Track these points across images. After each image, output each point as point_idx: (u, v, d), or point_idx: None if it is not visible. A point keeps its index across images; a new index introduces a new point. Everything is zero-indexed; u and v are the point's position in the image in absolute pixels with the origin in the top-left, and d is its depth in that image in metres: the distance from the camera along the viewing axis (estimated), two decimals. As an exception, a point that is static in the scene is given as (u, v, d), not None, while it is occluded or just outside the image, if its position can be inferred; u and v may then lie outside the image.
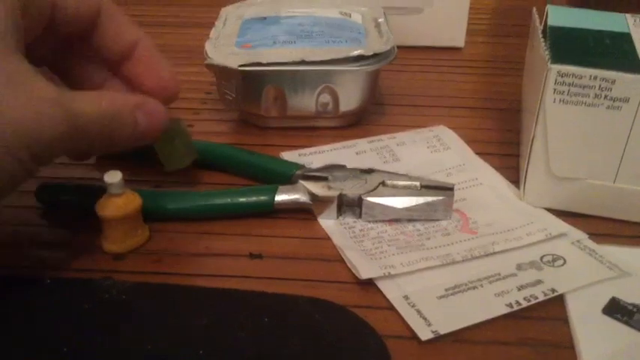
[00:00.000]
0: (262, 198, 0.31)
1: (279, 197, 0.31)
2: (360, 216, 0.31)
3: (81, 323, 0.25)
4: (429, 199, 0.31)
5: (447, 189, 0.31)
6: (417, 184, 0.31)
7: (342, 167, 0.33)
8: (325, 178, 0.32)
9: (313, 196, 0.31)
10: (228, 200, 0.31)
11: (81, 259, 0.28)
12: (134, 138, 0.28)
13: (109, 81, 0.31)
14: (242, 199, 0.31)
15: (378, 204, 0.31)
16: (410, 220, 0.31)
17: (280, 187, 0.31)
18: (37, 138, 0.23)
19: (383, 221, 0.31)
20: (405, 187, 0.31)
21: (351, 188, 0.31)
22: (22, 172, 0.24)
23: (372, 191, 0.31)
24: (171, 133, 0.31)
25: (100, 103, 0.26)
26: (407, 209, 0.31)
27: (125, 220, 0.28)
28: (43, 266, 0.28)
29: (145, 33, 0.30)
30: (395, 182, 0.31)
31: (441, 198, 0.31)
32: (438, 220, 0.31)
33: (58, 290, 0.26)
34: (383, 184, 0.31)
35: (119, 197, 0.28)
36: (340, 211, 0.31)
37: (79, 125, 0.25)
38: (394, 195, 0.31)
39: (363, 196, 0.31)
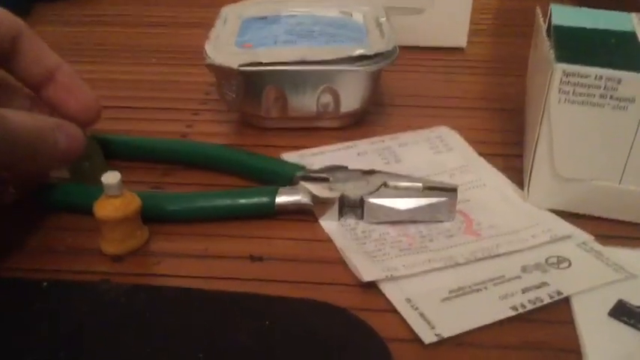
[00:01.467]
0: (263, 199, 0.31)
1: (280, 199, 0.31)
2: (361, 217, 0.31)
3: (79, 327, 0.24)
4: (432, 200, 0.30)
5: (450, 190, 0.30)
6: (420, 185, 0.31)
7: (343, 168, 0.32)
8: (326, 180, 0.31)
9: (314, 198, 0.31)
10: (229, 202, 0.31)
11: (79, 261, 0.28)
12: (55, 157, 0.29)
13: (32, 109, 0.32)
14: (242, 201, 0.31)
15: (380, 205, 0.30)
16: (412, 222, 0.30)
17: (281, 189, 0.31)
18: None
19: (385, 223, 0.30)
20: (407, 189, 0.31)
21: (352, 189, 0.31)
22: None
23: (374, 192, 0.30)
24: (82, 156, 0.31)
25: (26, 118, 0.27)
26: (409, 210, 0.30)
27: (124, 221, 0.28)
28: (40, 269, 0.28)
29: (63, 60, 0.31)
30: (397, 183, 0.31)
31: (444, 199, 0.30)
32: (441, 221, 0.30)
33: (55, 293, 0.26)
34: (385, 185, 0.31)
35: (117, 198, 0.27)
36: (342, 212, 0.31)
37: (9, 132, 0.25)
38: (396, 196, 0.30)
39: (364, 198, 0.30)
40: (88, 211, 0.28)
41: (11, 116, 0.26)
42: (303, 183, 0.31)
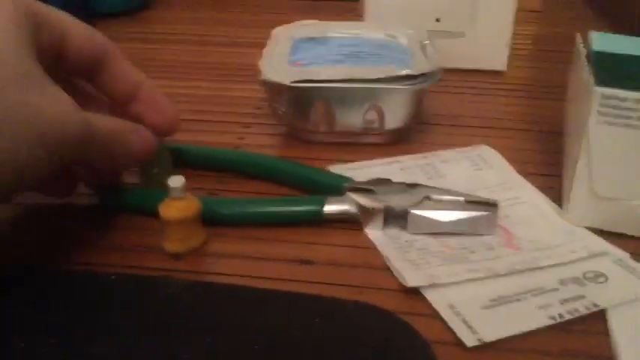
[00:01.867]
0: (313, 207, 0.32)
1: (329, 207, 0.32)
2: (405, 228, 0.32)
3: (143, 316, 0.26)
4: (474, 214, 0.32)
5: (491, 205, 0.32)
6: (462, 199, 0.32)
7: (387, 181, 0.34)
8: (372, 191, 0.33)
9: (361, 208, 0.32)
10: (281, 208, 0.33)
11: (143, 258, 0.30)
12: (129, 157, 0.31)
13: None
14: (293, 208, 0.33)
15: (424, 217, 0.32)
16: (454, 234, 0.32)
17: (329, 198, 0.33)
18: (62, 138, 0.26)
19: (427, 234, 0.32)
20: (449, 202, 0.32)
21: (397, 201, 0.32)
22: (46, 170, 0.26)
23: (417, 204, 0.32)
24: (153, 162, 0.34)
25: (106, 121, 0.29)
26: (451, 223, 0.32)
27: (185, 222, 0.30)
28: (109, 264, 0.30)
29: (146, 76, 0.33)
30: (440, 197, 0.32)
31: (485, 213, 0.32)
32: (481, 235, 0.32)
33: (122, 286, 0.28)
34: (428, 198, 0.32)
35: (181, 201, 0.29)
36: (386, 222, 0.32)
37: (93, 135, 0.28)
38: (439, 209, 0.32)
39: (408, 209, 0.32)
40: (152, 214, 0.30)
41: (94, 120, 0.28)
42: (350, 194, 0.33)
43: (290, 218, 0.33)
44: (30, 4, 0.28)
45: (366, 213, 0.32)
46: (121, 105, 0.33)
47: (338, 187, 0.34)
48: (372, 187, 0.33)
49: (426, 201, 0.32)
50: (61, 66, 0.30)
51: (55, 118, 0.26)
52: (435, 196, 0.33)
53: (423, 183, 0.34)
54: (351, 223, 0.33)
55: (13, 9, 0.26)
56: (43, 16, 0.28)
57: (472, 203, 0.32)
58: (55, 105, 0.26)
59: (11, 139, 0.24)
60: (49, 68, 0.27)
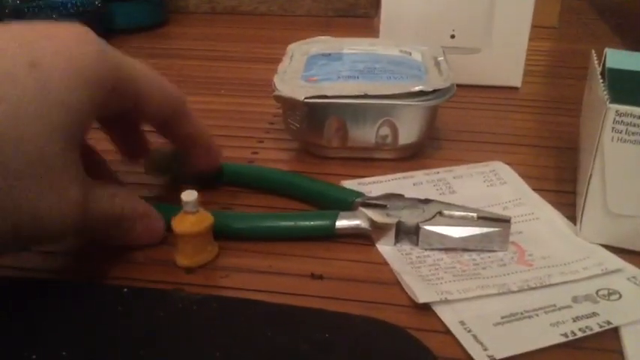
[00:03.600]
0: (324, 222, 0.32)
1: (340, 222, 0.32)
2: (417, 244, 0.32)
3: (155, 329, 0.27)
4: (486, 229, 0.32)
5: (503, 221, 0.32)
6: (474, 215, 0.32)
7: (400, 196, 0.34)
8: (384, 206, 0.33)
9: (373, 223, 0.32)
10: (292, 223, 0.33)
11: (155, 271, 0.31)
12: (126, 240, 0.31)
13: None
14: (305, 223, 0.33)
15: (436, 232, 0.32)
16: (466, 250, 0.32)
17: (341, 213, 0.33)
18: (54, 233, 0.27)
19: (439, 250, 0.32)
20: (461, 218, 0.32)
21: (409, 216, 0.32)
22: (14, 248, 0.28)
23: (429, 220, 0.32)
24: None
25: (113, 205, 0.29)
26: (464, 239, 0.32)
27: (198, 236, 0.30)
28: (121, 277, 0.30)
29: (204, 124, 0.35)
30: (452, 213, 0.32)
31: (497, 229, 0.31)
32: (494, 251, 0.32)
33: (134, 299, 0.28)
34: (440, 213, 0.32)
35: (194, 215, 0.30)
36: (398, 238, 0.32)
37: (89, 221, 0.28)
38: (451, 225, 0.32)
39: (420, 224, 0.32)
40: (166, 227, 0.30)
41: (96, 209, 0.28)
42: (362, 209, 0.33)
43: (302, 233, 0.33)
44: (117, 68, 0.28)
45: (378, 228, 0.32)
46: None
47: (350, 203, 0.34)
48: (384, 203, 0.34)
49: (438, 217, 0.32)
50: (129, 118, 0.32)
51: (49, 223, 0.26)
52: (448, 212, 0.32)
53: (436, 199, 0.34)
54: (363, 238, 0.33)
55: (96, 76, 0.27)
56: (121, 80, 0.28)
57: (485, 219, 0.32)
58: (52, 209, 0.26)
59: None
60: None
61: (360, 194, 0.35)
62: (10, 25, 0.26)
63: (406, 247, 0.32)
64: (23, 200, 0.24)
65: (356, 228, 0.33)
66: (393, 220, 0.32)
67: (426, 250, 0.32)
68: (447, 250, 0.32)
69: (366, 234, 0.33)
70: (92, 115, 0.27)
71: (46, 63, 0.25)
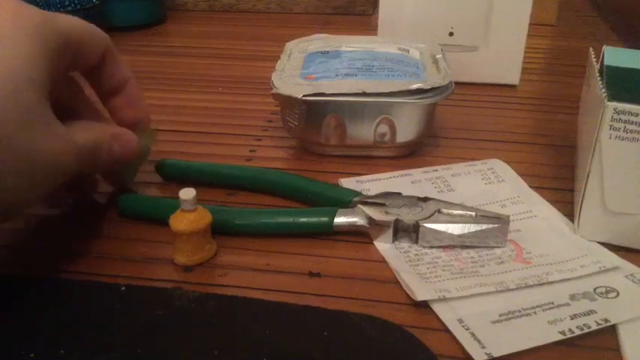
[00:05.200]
0: (323, 219, 0.32)
1: (339, 219, 0.32)
2: (415, 241, 0.32)
3: (153, 327, 0.27)
4: (484, 227, 0.32)
5: (501, 219, 0.32)
6: (472, 213, 0.32)
7: (398, 194, 0.34)
8: (382, 204, 0.33)
9: (371, 220, 0.32)
10: (291, 219, 0.33)
11: (153, 269, 0.31)
12: (110, 160, 0.32)
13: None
14: (304, 219, 0.33)
15: (434, 230, 0.32)
16: (464, 247, 0.32)
17: (340, 210, 0.33)
18: (58, 169, 0.28)
19: (437, 247, 0.32)
20: (460, 215, 0.32)
21: (407, 214, 0.32)
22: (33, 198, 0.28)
23: (428, 218, 0.32)
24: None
25: (88, 135, 0.31)
26: (462, 237, 0.32)
27: (196, 234, 0.30)
28: (119, 275, 0.30)
29: (132, 73, 0.35)
30: (450, 210, 0.32)
31: (496, 226, 0.31)
32: (492, 249, 0.32)
33: (132, 297, 0.28)
34: (439, 211, 0.32)
35: (192, 213, 0.30)
36: (396, 235, 0.32)
37: (79, 152, 0.29)
38: (449, 222, 0.32)
39: (419, 222, 0.32)
40: (162, 222, 0.30)
41: (79, 139, 0.29)
42: (360, 206, 0.33)
43: (300, 229, 0.33)
44: (56, 24, 0.29)
45: (376, 226, 0.32)
46: (104, 97, 0.35)
47: (348, 202, 0.34)
48: (382, 201, 0.34)
49: (436, 214, 0.32)
50: (71, 67, 0.32)
51: (49, 156, 0.27)
52: (446, 210, 0.32)
53: (434, 197, 0.34)
54: (361, 236, 0.33)
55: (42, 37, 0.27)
56: (64, 35, 0.29)
57: (483, 217, 0.32)
58: (51, 142, 0.27)
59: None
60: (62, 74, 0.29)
61: (357, 194, 0.35)
62: None
63: (404, 244, 0.32)
64: (22, 147, 0.26)
65: (354, 225, 0.33)
66: (391, 218, 0.32)
67: (424, 247, 0.32)
68: (445, 248, 0.32)
69: (364, 231, 0.33)
70: (53, 66, 0.28)
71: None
